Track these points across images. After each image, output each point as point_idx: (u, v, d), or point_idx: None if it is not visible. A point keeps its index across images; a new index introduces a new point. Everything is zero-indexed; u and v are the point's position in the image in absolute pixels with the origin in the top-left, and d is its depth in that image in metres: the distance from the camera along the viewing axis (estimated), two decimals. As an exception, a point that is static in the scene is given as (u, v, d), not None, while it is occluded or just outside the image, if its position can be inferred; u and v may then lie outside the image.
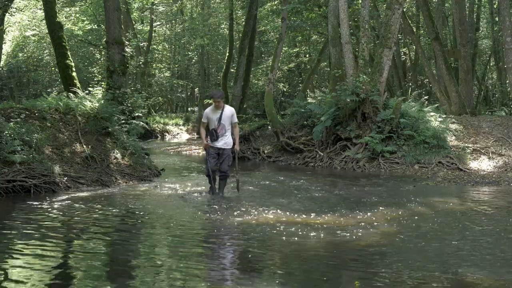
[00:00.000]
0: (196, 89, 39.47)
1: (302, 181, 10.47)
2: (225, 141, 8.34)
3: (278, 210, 7.19)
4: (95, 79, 16.68)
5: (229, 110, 8.40)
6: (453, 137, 13.53)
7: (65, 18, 25.87)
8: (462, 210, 7.49)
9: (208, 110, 8.45)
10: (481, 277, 4.48)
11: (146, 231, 6.40)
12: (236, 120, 8.44)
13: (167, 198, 8.46)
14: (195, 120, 32.26)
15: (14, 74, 33.64)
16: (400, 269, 4.68)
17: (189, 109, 39.76)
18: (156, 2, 31.81)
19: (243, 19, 25.15)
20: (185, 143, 24.61)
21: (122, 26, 14.03)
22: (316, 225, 6.36)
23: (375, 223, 6.49)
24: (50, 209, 7.36)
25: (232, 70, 25.75)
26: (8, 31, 29.87)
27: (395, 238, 5.78)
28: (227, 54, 25.56)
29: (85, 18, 26.29)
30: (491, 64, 30.55)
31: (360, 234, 5.94)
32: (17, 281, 4.30)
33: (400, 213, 7.15)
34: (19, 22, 29.95)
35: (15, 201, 7.96)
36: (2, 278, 4.35)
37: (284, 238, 5.74)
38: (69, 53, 14.54)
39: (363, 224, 6.43)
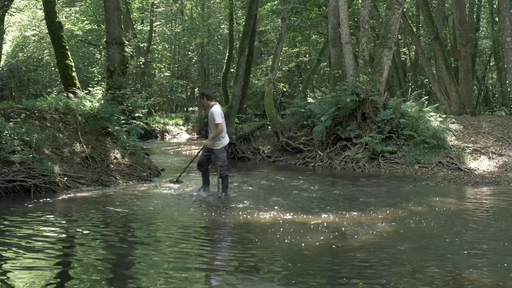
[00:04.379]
0: (196, 89, 39.48)
1: (302, 181, 10.47)
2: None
3: (278, 210, 7.19)
4: (95, 79, 16.66)
5: (211, 111, 8.38)
6: (453, 137, 13.53)
7: (65, 18, 25.87)
8: (462, 210, 7.49)
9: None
10: (481, 277, 4.48)
11: (145, 231, 6.39)
12: (215, 121, 8.29)
13: (166, 198, 8.46)
14: (195, 120, 32.26)
15: (14, 74, 33.64)
16: (400, 269, 4.68)
17: (189, 109, 39.77)
18: (156, 2, 31.81)
19: (243, 19, 25.15)
20: (185, 143, 24.60)
21: (122, 26, 14.02)
22: (316, 225, 6.36)
23: (375, 223, 6.49)
24: (50, 209, 7.36)
25: (232, 70, 25.75)
26: (8, 31, 29.88)
27: (394, 238, 5.78)
28: (227, 54, 25.58)
29: (85, 18, 26.29)
30: (491, 64, 30.56)
31: (360, 234, 5.94)
32: (16, 281, 4.30)
33: (400, 213, 7.15)
34: (19, 22, 29.96)
35: (15, 201, 7.96)
36: (2, 278, 4.35)
37: (284, 238, 5.74)
38: (69, 53, 14.53)
39: (363, 224, 6.43)
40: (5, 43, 27.99)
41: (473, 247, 5.44)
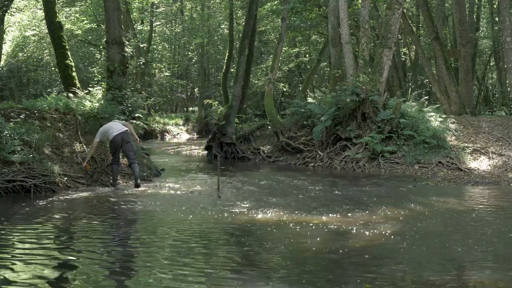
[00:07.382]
0: (196, 89, 39.46)
1: (302, 181, 10.47)
2: None
3: (278, 210, 7.19)
4: (95, 79, 16.65)
5: None
6: (453, 137, 13.53)
7: (65, 18, 25.86)
8: (462, 210, 7.49)
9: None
10: (481, 276, 4.48)
11: (145, 231, 6.39)
12: None
13: (166, 198, 8.46)
14: (195, 120, 32.25)
15: (14, 74, 33.62)
16: (400, 269, 4.68)
17: (189, 109, 39.79)
18: (156, 2, 31.78)
19: (243, 19, 25.14)
20: (185, 143, 24.61)
21: (122, 26, 14.01)
22: (316, 225, 6.36)
23: (375, 223, 6.49)
24: (49, 209, 7.36)
25: (232, 70, 25.74)
26: (8, 31, 29.87)
27: (395, 238, 5.78)
28: (227, 54, 25.55)
29: (85, 18, 26.27)
30: (491, 64, 30.55)
31: (360, 234, 5.94)
32: (17, 281, 4.29)
33: (400, 213, 7.16)
34: (19, 22, 29.94)
35: (15, 201, 7.96)
36: (2, 278, 4.35)
37: (284, 238, 5.74)
38: (69, 53, 14.52)
39: (363, 224, 6.43)
40: (5, 43, 27.97)
41: (473, 247, 5.44)
